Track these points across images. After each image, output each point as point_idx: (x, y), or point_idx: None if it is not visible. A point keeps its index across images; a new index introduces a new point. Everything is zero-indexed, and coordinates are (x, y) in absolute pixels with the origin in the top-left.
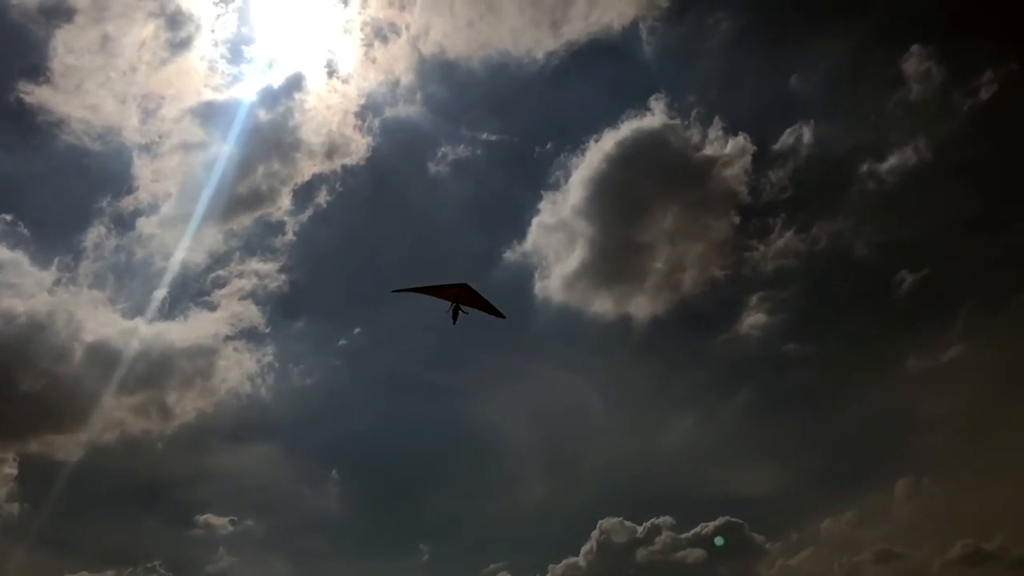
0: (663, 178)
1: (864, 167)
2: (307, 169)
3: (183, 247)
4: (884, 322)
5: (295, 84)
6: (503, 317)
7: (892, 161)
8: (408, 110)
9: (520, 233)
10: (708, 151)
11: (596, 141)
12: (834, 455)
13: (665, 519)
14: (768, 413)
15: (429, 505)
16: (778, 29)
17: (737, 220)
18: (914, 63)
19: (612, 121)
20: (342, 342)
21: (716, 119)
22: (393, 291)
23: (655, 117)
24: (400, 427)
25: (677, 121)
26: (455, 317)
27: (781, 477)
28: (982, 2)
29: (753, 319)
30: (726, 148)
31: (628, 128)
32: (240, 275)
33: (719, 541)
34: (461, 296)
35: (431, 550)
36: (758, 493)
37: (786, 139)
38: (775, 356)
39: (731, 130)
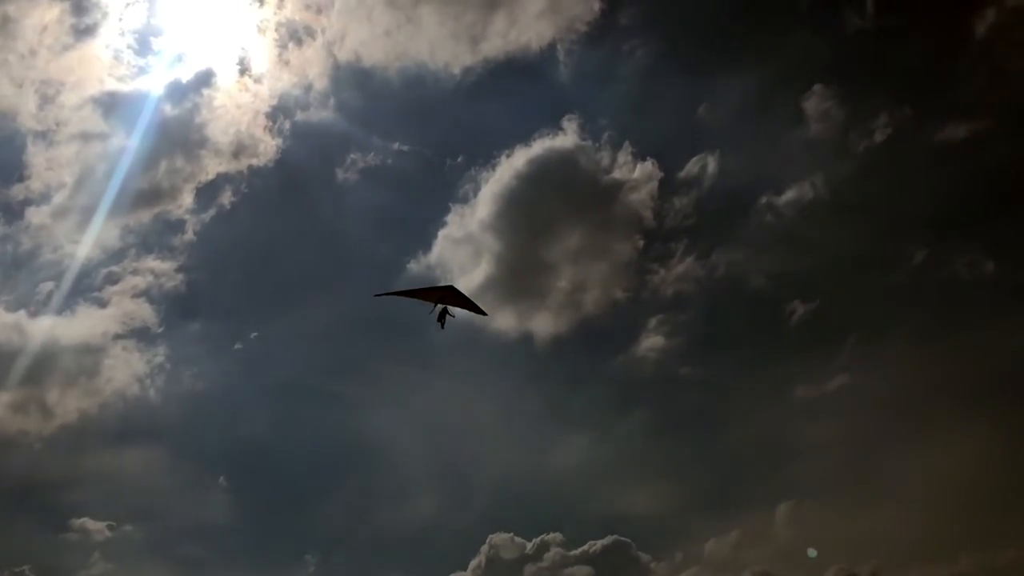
0: (572, 198)
1: (763, 199)
2: (212, 168)
3: (75, 240)
4: (775, 350)
5: (204, 80)
6: (485, 314)
7: (790, 195)
8: (320, 115)
9: (426, 244)
10: (617, 174)
11: (508, 157)
12: (721, 477)
13: (555, 536)
14: (661, 434)
15: (318, 515)
16: (690, 60)
17: (641, 244)
18: (815, 102)
19: (525, 138)
20: (238, 346)
21: (626, 144)
22: (376, 295)
23: (567, 137)
24: (293, 435)
25: (588, 143)
26: (443, 320)
27: (671, 497)
28: (881, 49)
29: (651, 341)
30: (634, 173)
31: (540, 146)
32: (135, 272)
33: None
34: (446, 298)
35: (317, 561)
36: (647, 512)
37: (692, 168)
38: (670, 378)
39: (640, 155)
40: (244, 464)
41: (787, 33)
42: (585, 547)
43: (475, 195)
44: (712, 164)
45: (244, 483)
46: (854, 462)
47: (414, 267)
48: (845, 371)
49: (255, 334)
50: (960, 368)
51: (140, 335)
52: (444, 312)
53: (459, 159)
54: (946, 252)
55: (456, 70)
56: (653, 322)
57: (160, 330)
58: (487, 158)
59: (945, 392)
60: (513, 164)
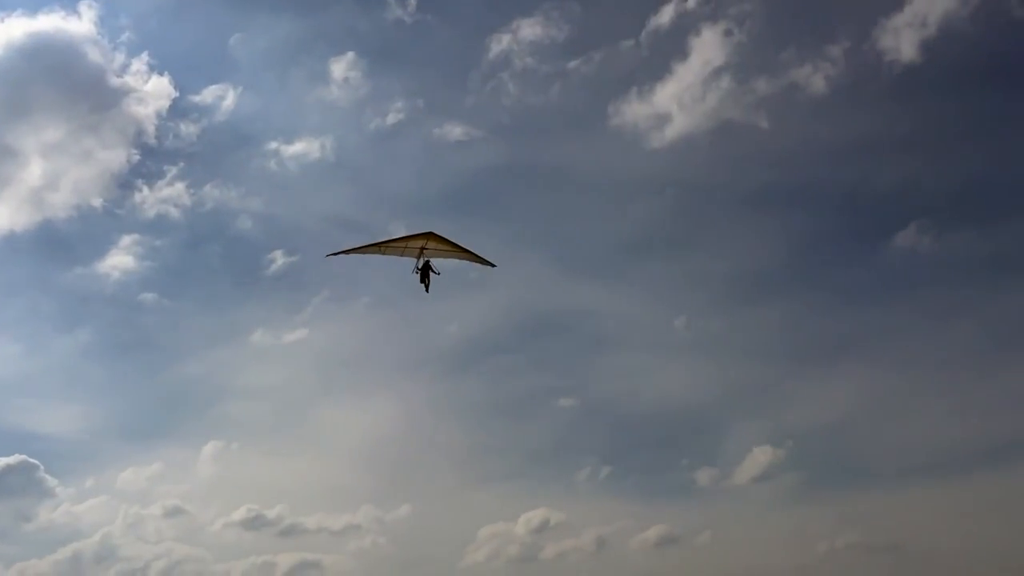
0: (67, 89)
1: (272, 146)
2: None
3: None
4: (247, 294)
5: None
6: (494, 265)
7: (298, 148)
8: None
9: None
10: (127, 80)
11: (2, 23)
12: (155, 408)
13: None
14: (102, 357)
15: None
16: None
17: (136, 157)
18: (343, 68)
19: (30, 9)
20: None
21: (146, 53)
22: (328, 255)
23: (81, 24)
24: None
25: (104, 39)
26: (426, 280)
27: (96, 421)
28: (412, 42)
29: (118, 260)
30: (147, 84)
31: (47, 23)
32: None
33: None
34: (427, 249)
35: None
36: (66, 434)
37: (208, 95)
38: (129, 302)
39: (158, 69)
40: None
41: None
42: None
43: None
44: (231, 98)
45: None
46: (288, 412)
47: None
48: (306, 326)
49: None
50: (404, 338)
51: None
52: (427, 268)
53: None
54: None
55: None
56: (126, 240)
57: None
58: None
59: (384, 358)
60: (8, 32)
